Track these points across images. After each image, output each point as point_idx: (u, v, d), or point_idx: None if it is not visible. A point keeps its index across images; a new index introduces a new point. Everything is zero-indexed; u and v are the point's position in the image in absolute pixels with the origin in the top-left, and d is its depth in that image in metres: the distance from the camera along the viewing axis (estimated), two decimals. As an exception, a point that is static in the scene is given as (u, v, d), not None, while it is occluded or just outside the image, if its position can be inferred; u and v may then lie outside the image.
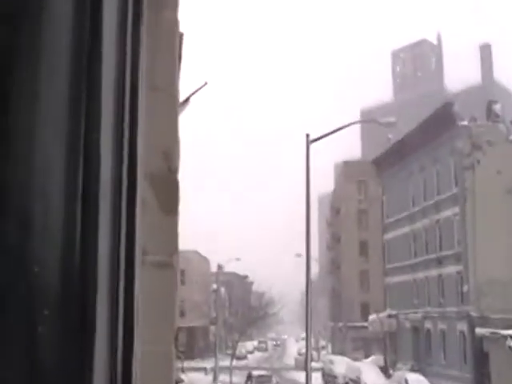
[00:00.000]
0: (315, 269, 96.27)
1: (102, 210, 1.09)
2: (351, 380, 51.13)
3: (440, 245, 51.83)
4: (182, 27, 2.50)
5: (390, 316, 61.19)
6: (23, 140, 0.98)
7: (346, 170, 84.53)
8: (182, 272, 62.80)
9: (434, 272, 52.96)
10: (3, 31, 0.98)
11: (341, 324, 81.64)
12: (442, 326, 51.59)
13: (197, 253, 79.24)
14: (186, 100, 15.94)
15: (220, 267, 69.40)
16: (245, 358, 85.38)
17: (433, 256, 52.85)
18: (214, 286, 71.84)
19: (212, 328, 73.60)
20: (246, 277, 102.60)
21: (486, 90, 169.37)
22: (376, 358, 60.78)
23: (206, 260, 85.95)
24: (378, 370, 52.72)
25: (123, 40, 1.28)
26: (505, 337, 40.55)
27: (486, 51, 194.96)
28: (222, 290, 74.77)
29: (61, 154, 1.01)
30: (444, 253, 50.78)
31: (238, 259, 71.08)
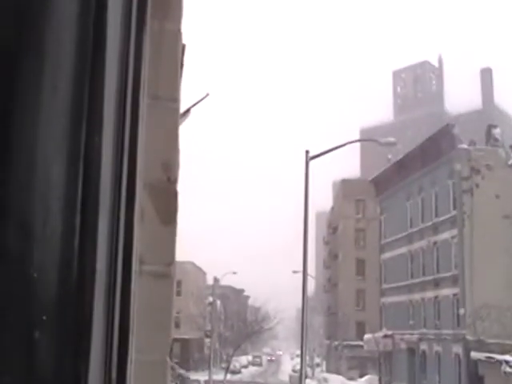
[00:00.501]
0: (312, 286, 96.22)
1: (100, 218, 1.10)
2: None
3: (437, 267, 51.75)
4: (185, 38, 2.52)
5: (385, 336, 60.99)
6: (25, 149, 0.98)
7: (345, 189, 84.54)
8: (179, 283, 62.72)
9: (430, 294, 52.84)
10: (6, 41, 0.99)
11: (336, 342, 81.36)
12: (437, 348, 51.41)
13: (193, 264, 79.14)
14: (187, 111, 15.96)
15: (216, 280, 69.29)
16: (239, 372, 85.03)
17: (430, 278, 52.76)
18: (210, 299, 71.62)
19: (207, 341, 73.29)
20: (242, 291, 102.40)
21: (486, 114, 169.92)
22: (371, 378, 60.56)
23: (202, 272, 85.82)
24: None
25: (126, 49, 1.29)
26: (500, 362, 40.40)
27: (486, 75, 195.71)
28: (218, 302, 74.58)
29: (61, 163, 1.01)
30: (441, 275, 50.70)
31: (234, 273, 70.98)
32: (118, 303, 1.20)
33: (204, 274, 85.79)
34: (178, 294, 64.09)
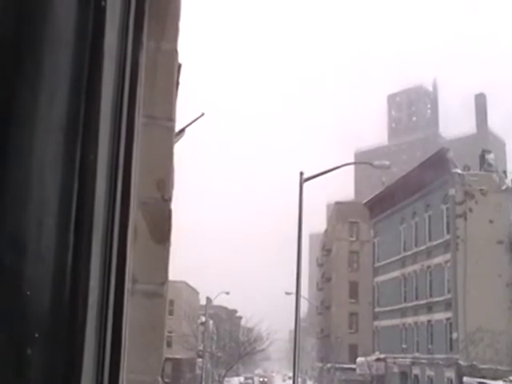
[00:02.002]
0: (304, 308, 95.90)
1: (94, 236, 1.10)
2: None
3: (430, 291, 51.68)
4: (181, 57, 2.53)
5: (378, 359, 60.75)
6: (20, 164, 0.98)
7: (339, 211, 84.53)
8: (171, 302, 62.46)
9: (423, 318, 52.72)
10: (3, 58, 0.99)
11: (329, 365, 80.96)
12: (429, 372, 51.20)
13: (186, 284, 78.83)
14: (182, 130, 15.97)
15: (209, 300, 68.99)
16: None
17: (423, 302, 52.66)
18: (203, 319, 71.26)
19: (199, 361, 72.83)
20: (234, 311, 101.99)
21: (480, 139, 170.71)
22: (362, 402, 60.17)
23: (195, 292, 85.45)
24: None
25: (122, 69, 1.30)
26: (492, 387, 40.27)
27: (480, 100, 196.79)
28: (210, 322, 74.21)
29: (56, 179, 1.01)
30: (434, 299, 50.61)
31: (227, 293, 70.68)
32: (110, 322, 1.20)
33: (197, 293, 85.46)
34: (171, 313, 63.79)
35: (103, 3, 1.11)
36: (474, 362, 44.38)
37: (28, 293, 0.96)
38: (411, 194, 54.83)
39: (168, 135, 2.33)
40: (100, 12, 1.11)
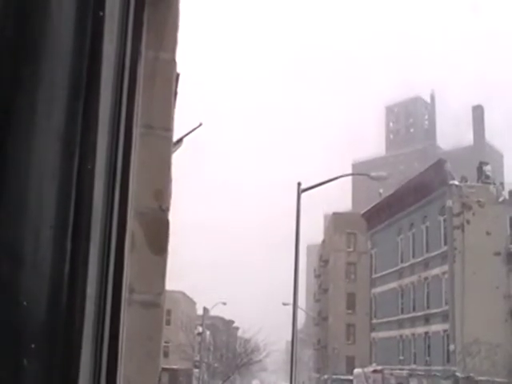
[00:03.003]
0: (302, 319, 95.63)
1: (91, 247, 1.10)
2: None
3: (427, 302, 51.63)
4: (180, 67, 2.53)
5: (375, 371, 60.56)
6: (18, 174, 0.98)
7: (336, 222, 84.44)
8: (168, 312, 62.20)
9: (420, 329, 52.64)
10: (3, 63, 1.00)
11: (326, 376, 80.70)
12: (426, 384, 51.11)
13: (184, 294, 78.61)
14: (180, 140, 15.94)
15: (206, 310, 68.74)
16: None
17: (420, 313, 52.59)
18: (199, 329, 71.01)
19: (195, 371, 72.50)
20: (231, 322, 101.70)
21: (478, 151, 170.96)
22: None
23: (192, 302, 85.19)
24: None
25: (120, 79, 1.30)
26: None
27: (478, 112, 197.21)
28: (207, 333, 73.94)
29: (53, 189, 1.01)
30: (431, 311, 50.55)
31: (224, 303, 70.49)
32: (107, 332, 1.20)
33: (194, 303, 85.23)
34: (168, 323, 63.59)
35: (101, 13, 1.11)
36: (471, 374, 44.29)
37: (25, 303, 0.96)
38: (409, 205, 54.85)
39: (166, 145, 2.33)
40: (98, 22, 1.11)
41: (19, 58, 1.00)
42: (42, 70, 1.01)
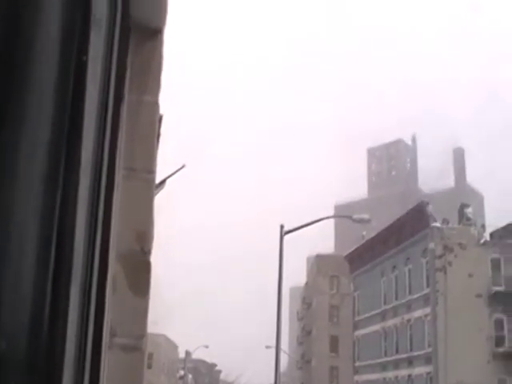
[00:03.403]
0: (285, 362, 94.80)
1: (72, 289, 1.09)
2: None
3: (411, 345, 51.42)
4: (162, 108, 2.55)
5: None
6: (0, 216, 0.98)
7: (319, 264, 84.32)
8: (150, 355, 61.39)
9: (404, 372, 52.31)
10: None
11: (308, 421, 79.79)
12: (410, 428, 50.62)
13: (165, 337, 77.77)
14: (162, 182, 15.88)
15: (188, 353, 67.97)
16: None
17: (403, 356, 52.32)
18: (182, 373, 70.14)
19: (177, 416, 71.51)
20: (214, 365, 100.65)
21: (459, 193, 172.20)
22: None
23: (174, 345, 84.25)
24: None
25: (103, 121, 1.31)
26: None
27: (459, 154, 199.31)
28: (190, 376, 73.04)
29: (35, 229, 1.01)
30: (415, 353, 50.32)
31: (206, 346, 69.80)
32: (87, 376, 1.19)
33: (176, 346, 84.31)
34: (149, 366, 62.74)
35: (84, 58, 1.13)
36: (455, 418, 43.96)
37: (3, 345, 0.95)
38: (391, 247, 54.96)
39: (148, 187, 2.33)
40: (81, 66, 1.12)
41: (3, 99, 1.00)
42: (26, 111, 1.02)
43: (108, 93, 1.34)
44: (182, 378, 70.11)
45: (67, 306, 1.07)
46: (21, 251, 0.99)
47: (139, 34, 2.35)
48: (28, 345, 0.98)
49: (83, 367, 1.17)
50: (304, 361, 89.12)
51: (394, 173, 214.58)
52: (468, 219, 50.84)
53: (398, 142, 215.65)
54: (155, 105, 2.42)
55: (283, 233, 25.77)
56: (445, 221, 51.19)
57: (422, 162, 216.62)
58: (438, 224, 49.45)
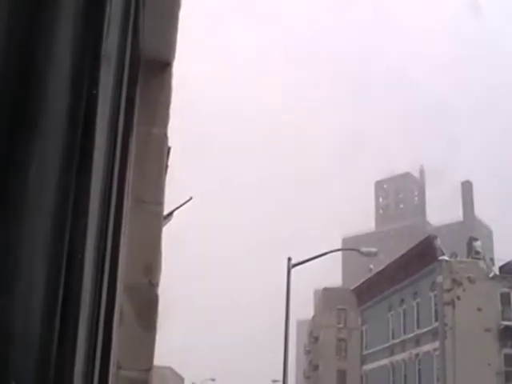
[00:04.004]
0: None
1: (80, 322, 1.09)
2: None
3: (419, 379, 50.88)
4: (170, 141, 2.56)
5: None
6: (8, 252, 0.97)
7: (326, 297, 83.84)
8: (156, 389, 60.90)
9: (412, 407, 51.75)
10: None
11: None
12: None
13: (171, 369, 77.14)
14: (170, 214, 15.90)
15: (194, 387, 67.31)
16: None
17: (411, 390, 51.81)
18: (188, 406, 69.42)
19: None
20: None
21: (467, 226, 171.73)
22: None
23: (180, 378, 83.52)
24: None
25: (112, 153, 1.32)
26: None
27: (467, 188, 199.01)
28: (196, 410, 72.25)
29: (44, 266, 1.01)
30: (423, 388, 49.82)
31: (213, 379, 69.20)
32: (94, 410, 1.18)
33: (182, 379, 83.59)
34: (155, 400, 62.23)
35: (95, 91, 1.14)
36: None
37: (13, 382, 0.94)
38: (399, 281, 54.67)
39: (156, 219, 2.33)
40: (91, 100, 1.13)
41: (13, 138, 1.01)
42: (34, 148, 1.02)
43: (117, 125, 1.35)
44: (188, 411, 69.42)
45: (75, 341, 1.06)
46: (29, 289, 0.99)
47: (149, 66, 2.37)
48: (36, 381, 0.97)
49: (90, 401, 1.16)
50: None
51: (401, 206, 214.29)
52: (477, 253, 50.59)
53: (405, 175, 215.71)
54: (164, 137, 2.43)
55: (290, 266, 25.68)
56: (453, 254, 50.94)
57: (430, 195, 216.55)
58: (446, 257, 49.22)
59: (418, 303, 52.17)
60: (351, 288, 71.20)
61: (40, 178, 1.02)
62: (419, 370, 51.10)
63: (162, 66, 2.48)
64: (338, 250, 42.11)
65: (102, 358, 1.24)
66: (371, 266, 66.42)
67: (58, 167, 1.05)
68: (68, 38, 1.08)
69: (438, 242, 50.40)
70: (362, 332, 65.60)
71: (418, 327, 51.60)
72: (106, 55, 1.25)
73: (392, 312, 57.14)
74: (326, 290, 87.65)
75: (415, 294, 52.43)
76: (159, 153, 2.43)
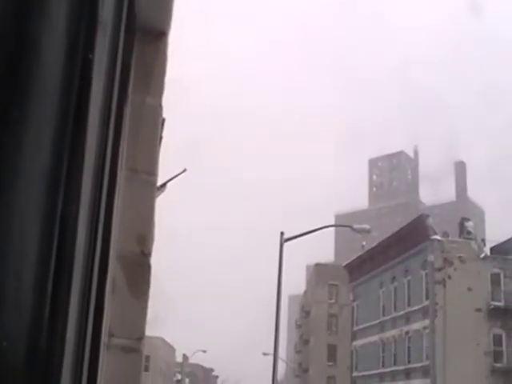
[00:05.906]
0: (282, 369, 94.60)
1: (72, 289, 1.09)
2: None
3: (408, 357, 51.31)
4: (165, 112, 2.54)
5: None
6: (1, 214, 0.97)
7: (318, 273, 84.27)
8: (147, 358, 61.26)
9: (401, 384, 52.23)
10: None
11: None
12: None
13: (163, 340, 77.62)
14: (163, 185, 15.91)
15: (185, 357, 67.78)
16: None
17: (401, 367, 52.20)
18: (178, 377, 69.98)
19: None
20: (211, 370, 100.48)
21: (459, 206, 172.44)
22: None
23: (171, 349, 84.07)
24: None
25: (107, 121, 1.31)
26: None
27: (460, 168, 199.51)
28: (187, 381, 72.88)
29: (37, 228, 1.01)
30: (412, 365, 50.20)
31: (204, 351, 69.64)
32: (85, 375, 1.18)
33: (173, 350, 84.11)
34: (146, 369, 62.59)
35: (90, 56, 1.12)
36: (452, 431, 43.82)
37: (4, 343, 0.94)
38: (391, 258, 54.90)
39: (150, 190, 2.33)
40: (87, 64, 1.12)
41: (8, 98, 1.00)
42: (30, 110, 1.02)
43: (112, 92, 1.34)
44: (178, 382, 70.01)
45: (67, 306, 1.06)
46: (22, 250, 0.99)
47: (144, 35, 2.35)
48: (28, 344, 0.97)
49: (81, 367, 1.17)
50: (301, 369, 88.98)
51: (395, 184, 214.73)
52: (468, 233, 50.81)
53: (399, 154, 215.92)
54: (158, 107, 2.41)
55: (283, 240, 25.74)
56: (445, 234, 51.17)
57: (423, 175, 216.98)
58: (438, 237, 49.42)
59: (409, 281, 52.45)
60: (343, 264, 71.54)
61: (33, 144, 1.02)
62: (409, 347, 51.51)
63: (158, 35, 2.46)
64: (331, 226, 42.17)
65: (93, 326, 1.24)
66: (363, 243, 66.70)
67: (51, 132, 1.04)
68: (63, 2, 1.07)
69: (430, 221, 50.58)
70: (353, 308, 66.00)
71: (409, 305, 51.93)
72: (101, 21, 1.23)
73: (383, 289, 57.47)
74: (318, 265, 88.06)
75: (406, 271, 52.70)
76: (153, 123, 2.42)
